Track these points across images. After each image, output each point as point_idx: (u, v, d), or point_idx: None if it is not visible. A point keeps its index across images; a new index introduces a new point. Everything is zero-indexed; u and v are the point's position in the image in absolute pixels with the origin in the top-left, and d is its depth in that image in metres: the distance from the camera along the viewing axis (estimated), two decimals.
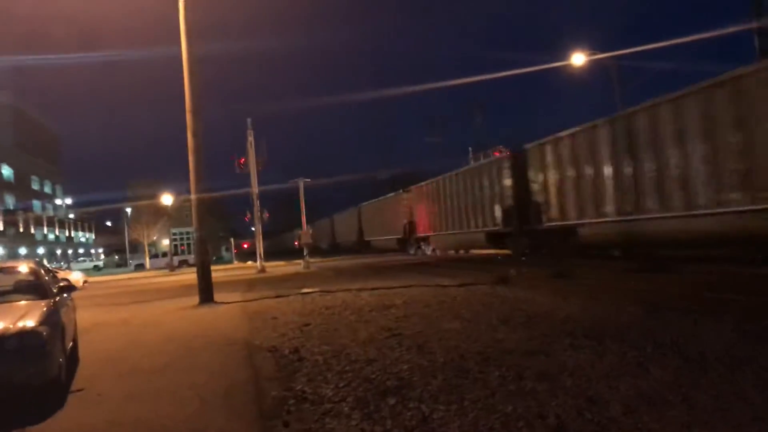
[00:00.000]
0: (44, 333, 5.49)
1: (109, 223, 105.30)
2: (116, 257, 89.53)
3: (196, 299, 14.36)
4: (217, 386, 5.70)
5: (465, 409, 4.21)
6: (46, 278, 7.32)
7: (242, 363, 6.76)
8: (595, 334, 6.50)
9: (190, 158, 14.28)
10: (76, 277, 29.47)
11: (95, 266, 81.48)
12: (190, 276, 25.21)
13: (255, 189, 31.06)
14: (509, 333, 7.08)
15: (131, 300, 17.89)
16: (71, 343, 7.30)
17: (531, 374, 4.98)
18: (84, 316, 13.45)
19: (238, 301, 13.96)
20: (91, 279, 34.90)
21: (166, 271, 48.71)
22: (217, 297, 14.42)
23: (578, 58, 30.66)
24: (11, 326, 5.46)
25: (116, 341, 9.28)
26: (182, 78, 14.50)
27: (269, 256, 39.89)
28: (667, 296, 9.47)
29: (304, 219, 33.59)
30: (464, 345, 6.53)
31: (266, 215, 32.49)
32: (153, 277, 38.39)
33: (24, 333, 5.40)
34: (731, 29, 23.70)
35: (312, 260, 32.33)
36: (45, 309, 6.03)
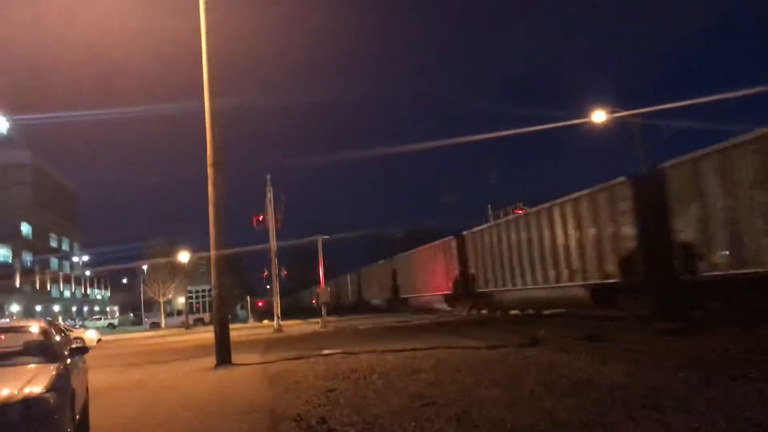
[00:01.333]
0: (51, 400, 5.02)
1: (125, 281, 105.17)
2: (131, 315, 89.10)
3: (212, 360, 13.81)
4: None
5: None
6: (58, 338, 6.86)
7: None
8: (652, 404, 5.91)
9: (210, 211, 13.95)
10: (90, 335, 29.02)
11: (110, 324, 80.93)
12: (205, 335, 24.65)
13: (273, 246, 30.71)
14: (556, 402, 6.48)
15: (146, 360, 17.34)
16: (82, 410, 6.79)
17: None
18: (97, 378, 12.93)
19: (257, 363, 13.39)
20: (105, 337, 34.41)
21: (182, 329, 48.09)
22: (234, 358, 13.87)
23: (599, 116, 30.56)
24: (16, 392, 4.99)
25: (130, 407, 8.74)
26: (203, 132, 14.33)
27: (285, 314, 39.24)
28: (714, 361, 8.85)
29: (321, 276, 33.06)
30: (510, 416, 5.94)
31: (284, 273, 32.02)
32: (168, 335, 37.80)
33: (30, 400, 4.93)
34: (752, 91, 23.34)
35: (330, 319, 31.68)
36: (54, 373, 5.56)
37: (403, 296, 41.08)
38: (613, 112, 29.79)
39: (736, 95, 24.23)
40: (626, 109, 29.29)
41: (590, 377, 7.98)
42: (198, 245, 53.86)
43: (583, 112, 30.90)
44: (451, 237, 31.21)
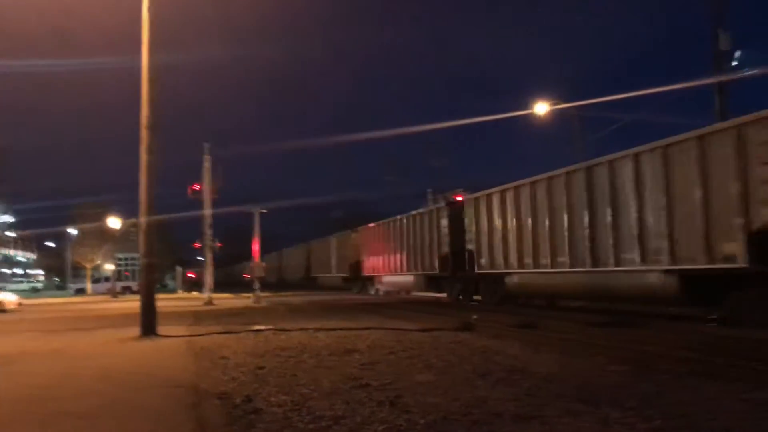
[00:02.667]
0: None
1: (51, 244, 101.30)
2: (56, 280, 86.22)
3: (137, 330, 13.26)
4: None
5: None
6: None
7: (187, 411, 5.85)
8: (588, 398, 5.84)
9: (142, 177, 13.32)
10: (8, 298, 27.77)
11: (33, 288, 78.16)
12: (132, 304, 23.85)
13: (208, 217, 29.94)
14: (490, 390, 6.36)
15: (67, 327, 16.60)
16: None
17: None
18: (10, 343, 12.31)
19: (183, 336, 12.92)
20: (26, 301, 32.95)
21: (108, 297, 46.70)
22: (160, 329, 13.34)
23: (541, 107, 30.87)
24: None
25: (44, 376, 8.21)
26: (139, 94, 13.64)
27: (216, 287, 38.49)
28: (646, 355, 8.94)
29: (257, 250, 32.48)
30: (444, 403, 5.77)
31: (218, 245, 31.30)
32: (94, 302, 36.57)
33: None
34: (692, 84, 23.82)
35: (264, 294, 31.20)
36: None
37: (313, 275, 39.89)
38: (554, 104, 30.23)
39: (673, 88, 24.82)
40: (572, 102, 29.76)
41: (524, 366, 7.91)
42: (130, 211, 52.19)
43: (528, 105, 31.25)
44: (441, 204, 27.62)
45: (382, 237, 33.90)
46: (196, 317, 18.98)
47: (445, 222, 25.48)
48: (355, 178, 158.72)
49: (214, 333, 13.12)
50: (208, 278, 30.25)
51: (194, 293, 45.90)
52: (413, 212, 30.68)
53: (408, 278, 29.88)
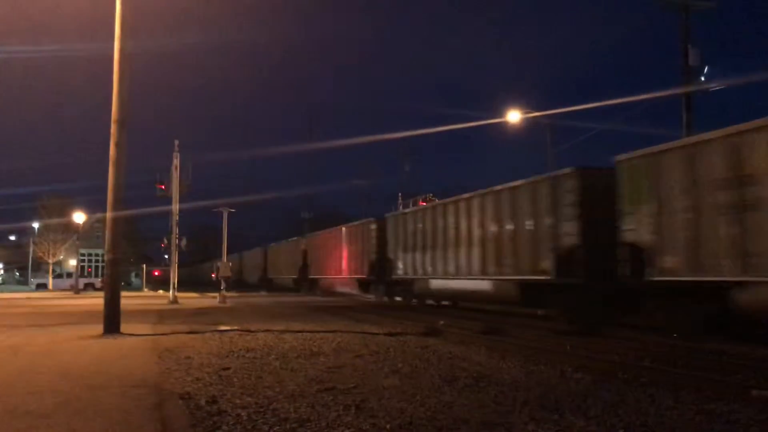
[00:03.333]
0: None
1: (12, 237, 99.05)
2: (17, 274, 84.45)
3: (100, 328, 13.02)
4: None
5: None
6: None
7: (150, 412, 5.75)
8: (552, 405, 5.89)
9: (111, 171, 13.09)
10: None
11: None
12: (95, 301, 23.47)
13: (176, 214, 29.59)
14: (457, 396, 6.37)
15: (27, 323, 16.24)
16: None
17: None
18: None
19: (147, 334, 12.73)
20: None
21: (70, 293, 45.86)
22: (124, 327, 13.12)
23: (514, 116, 31.15)
24: None
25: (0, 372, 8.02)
26: (109, 85, 13.43)
27: (183, 286, 38.13)
28: (609, 363, 9.07)
29: (225, 250, 32.20)
30: (410, 408, 5.77)
31: (184, 243, 30.95)
32: (55, 298, 35.89)
33: None
34: (661, 94, 24.20)
35: (229, 294, 30.92)
36: None
37: (313, 276, 41.19)
38: (526, 113, 30.52)
39: (642, 99, 25.23)
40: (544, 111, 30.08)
41: (490, 372, 7.96)
42: (95, 207, 51.41)
43: (500, 113, 31.52)
44: (371, 219, 30.94)
45: (326, 244, 38.04)
46: (161, 316, 18.72)
47: (374, 234, 29.56)
48: (326, 180, 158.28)
49: (178, 332, 12.96)
50: (174, 277, 29.87)
51: (160, 292, 45.34)
52: (351, 224, 34.64)
53: (345, 281, 33.87)
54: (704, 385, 7.18)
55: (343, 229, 34.46)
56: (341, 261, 34.38)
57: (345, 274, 33.65)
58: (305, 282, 41.44)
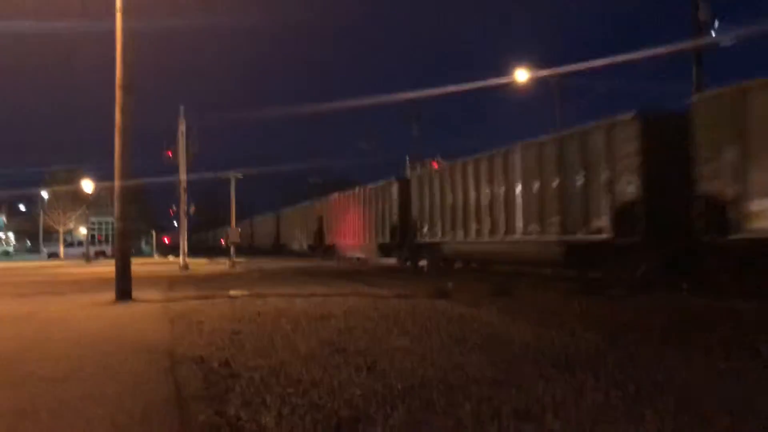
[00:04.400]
0: None
1: (23, 207, 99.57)
2: (28, 243, 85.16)
3: (112, 294, 13.15)
4: (132, 404, 4.76)
5: None
6: None
7: (163, 375, 5.82)
8: (563, 364, 5.89)
9: (117, 138, 13.06)
10: None
11: (4, 252, 77.21)
12: (106, 268, 23.65)
13: (183, 182, 29.62)
14: (467, 356, 6.40)
15: (40, 291, 16.42)
16: None
17: (509, 411, 4.28)
18: None
19: (159, 300, 12.84)
20: None
21: (82, 261, 46.26)
22: (135, 294, 13.26)
23: (522, 75, 30.83)
24: None
25: (14, 340, 8.11)
26: (115, 56, 13.31)
27: (192, 252, 38.34)
28: (620, 323, 9.03)
29: (233, 216, 32.29)
30: (420, 368, 5.80)
31: (192, 209, 31.05)
32: (67, 267, 36.23)
33: None
34: (670, 49, 23.84)
35: (238, 260, 31.09)
36: None
37: (282, 242, 41.52)
38: (534, 71, 30.21)
39: (650, 55, 24.88)
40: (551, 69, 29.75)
41: (500, 333, 7.97)
42: (104, 174, 51.54)
43: (508, 73, 31.19)
44: (392, 179, 29.36)
45: (343, 208, 36.61)
46: (172, 282, 18.87)
47: (395, 196, 28.57)
48: (333, 146, 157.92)
49: (189, 298, 13.07)
50: (183, 243, 30.03)
51: (170, 258, 45.66)
52: (369, 186, 33.08)
53: (365, 246, 32.67)
54: (715, 342, 7.16)
55: (362, 190, 32.87)
56: (360, 225, 32.64)
57: (364, 239, 32.07)
58: (320, 247, 40.06)
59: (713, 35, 19.97)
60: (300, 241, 45.88)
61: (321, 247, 40.03)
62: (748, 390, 5.01)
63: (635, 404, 4.48)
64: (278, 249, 51.41)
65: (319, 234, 40.30)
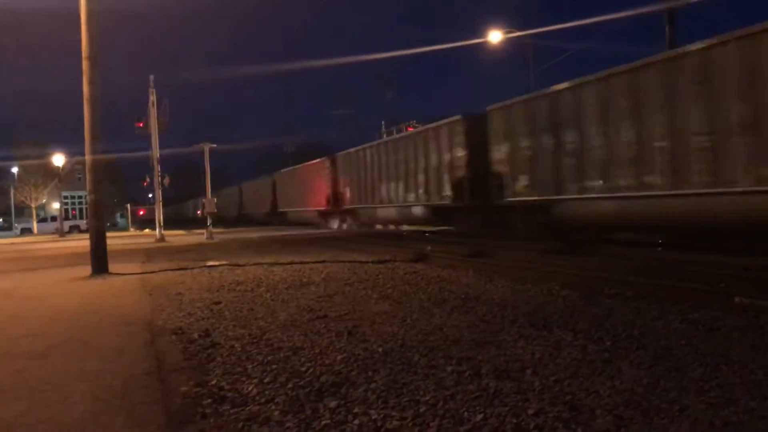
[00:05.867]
0: None
1: None
2: (0, 220, 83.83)
3: (88, 269, 13.05)
4: (112, 378, 4.75)
5: (424, 417, 3.51)
6: None
7: (143, 348, 5.80)
8: (541, 322, 5.98)
9: (86, 110, 12.81)
10: None
11: None
12: (81, 243, 23.40)
13: (156, 152, 29.22)
14: (446, 318, 6.46)
15: (15, 267, 16.22)
16: None
17: (489, 370, 4.35)
18: None
19: (136, 273, 12.76)
20: None
21: (56, 236, 45.70)
22: (112, 267, 13.15)
23: (495, 36, 30.60)
24: None
25: None
26: (79, 26, 12.99)
27: (169, 224, 38.08)
28: (595, 280, 9.15)
29: (208, 186, 32.00)
30: (401, 331, 5.85)
31: (167, 180, 30.69)
32: (41, 242, 35.79)
33: None
34: (642, 10, 23.90)
35: (216, 231, 30.92)
36: None
37: (281, 210, 43.60)
38: (508, 32, 30.00)
39: (624, 16, 24.90)
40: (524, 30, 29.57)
41: (478, 294, 8.05)
42: (75, 150, 50.68)
43: (482, 34, 30.96)
44: (326, 157, 35.53)
45: (293, 180, 40.47)
46: (149, 255, 18.73)
47: (329, 170, 33.16)
48: (307, 113, 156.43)
49: (167, 270, 12.99)
50: (159, 215, 29.76)
51: (146, 231, 45.29)
52: (310, 162, 38.18)
53: (310, 212, 37.44)
54: (688, 295, 7.29)
55: (305, 165, 39.28)
56: (305, 194, 38.91)
57: (308, 206, 38.14)
58: (275, 215, 45.69)
59: None
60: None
61: (274, 214, 45.78)
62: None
63: (613, 358, 4.57)
64: (277, 218, 50.61)
65: (273, 203, 46.18)
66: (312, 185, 37.31)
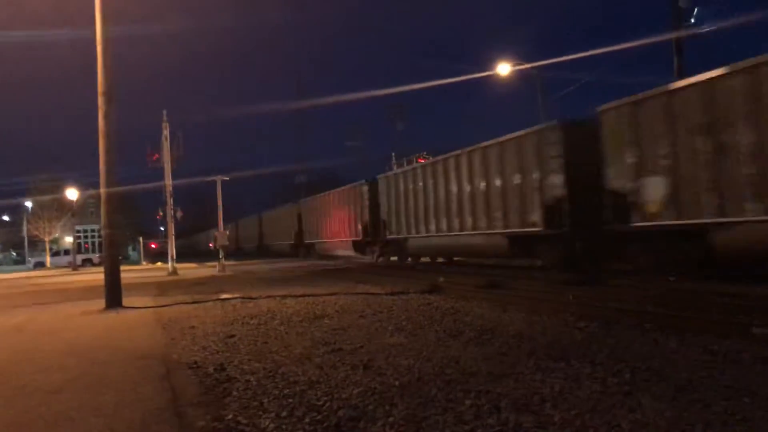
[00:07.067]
0: None
1: (6, 218, 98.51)
2: (13, 254, 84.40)
3: (101, 303, 13.05)
4: (129, 413, 4.73)
5: None
6: None
7: (159, 382, 5.78)
8: (558, 354, 5.92)
9: (101, 144, 12.94)
10: None
11: None
12: (94, 276, 23.51)
13: (169, 186, 29.43)
14: (462, 350, 6.41)
15: (28, 302, 16.26)
16: None
17: (508, 404, 4.30)
18: None
19: (149, 307, 12.77)
20: None
21: (69, 270, 45.90)
22: (125, 301, 13.17)
23: (503, 68, 30.84)
24: None
25: (6, 351, 8.04)
26: (95, 63, 13.20)
27: (180, 257, 38.15)
28: (612, 311, 9.08)
29: (221, 219, 32.10)
30: (417, 364, 5.80)
31: (180, 214, 30.85)
32: (54, 276, 35.92)
33: None
34: (650, 40, 24.08)
35: (228, 263, 30.98)
36: None
37: (308, 241, 41.58)
38: (516, 65, 30.23)
39: (631, 46, 25.09)
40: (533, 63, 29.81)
41: (493, 325, 7.99)
42: (88, 182, 51.22)
43: (490, 67, 31.23)
44: (362, 181, 30.96)
45: (321, 208, 38.16)
46: (161, 288, 18.75)
47: (366, 196, 30.01)
48: (318, 145, 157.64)
49: (180, 303, 12.99)
50: (171, 248, 29.86)
51: (158, 264, 45.42)
52: (343, 187, 35.10)
53: (341, 243, 34.26)
54: (707, 326, 7.22)
55: (336, 192, 34.97)
56: (334, 223, 34.89)
57: (339, 237, 34.20)
58: (302, 247, 41.97)
59: (693, 22, 20.09)
60: (282, 241, 46.48)
61: (301, 246, 42.14)
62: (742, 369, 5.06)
63: (633, 390, 4.51)
64: (262, 250, 52.06)
65: (299, 233, 42.59)
66: (345, 213, 33.03)
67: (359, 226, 30.63)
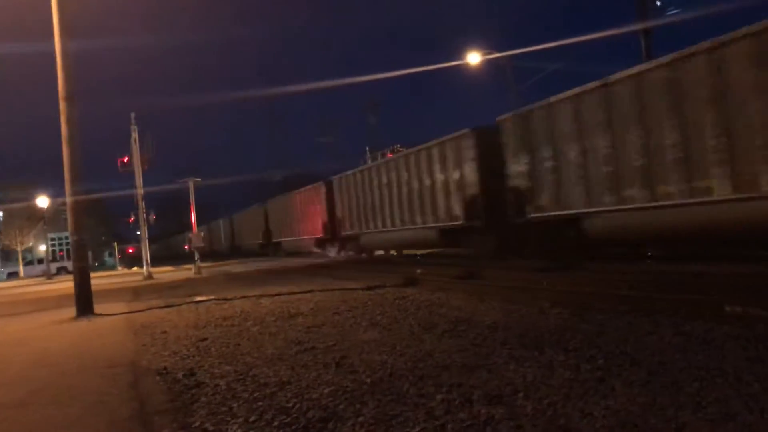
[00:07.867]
0: None
1: None
2: None
3: (74, 311, 12.80)
4: (95, 425, 4.59)
5: None
6: None
7: (127, 391, 5.63)
8: (532, 343, 5.88)
9: (65, 150, 12.65)
10: None
11: None
12: (68, 284, 23.05)
13: (140, 189, 29.04)
14: (436, 343, 6.34)
15: None
16: None
17: (480, 396, 4.23)
18: None
19: (122, 313, 12.54)
20: None
21: (43, 279, 45.19)
22: (98, 308, 12.91)
23: (474, 58, 30.84)
24: None
25: None
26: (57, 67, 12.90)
27: (157, 261, 37.85)
28: (586, 296, 9.08)
29: (194, 221, 31.77)
30: (390, 360, 5.72)
31: (153, 217, 30.48)
32: (27, 285, 35.31)
33: None
34: (617, 30, 24.35)
35: (204, 265, 30.67)
36: None
37: (275, 240, 41.81)
38: (486, 54, 30.24)
39: (599, 36, 25.22)
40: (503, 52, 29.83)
41: (468, 316, 7.94)
42: (60, 190, 50.38)
43: (461, 57, 31.22)
44: (321, 182, 32.88)
45: (286, 208, 38.31)
46: (136, 293, 18.49)
47: (324, 196, 31.11)
48: (294, 143, 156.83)
49: (153, 308, 12.79)
50: (146, 252, 29.50)
51: (135, 269, 44.89)
52: (304, 188, 35.59)
53: (306, 241, 34.99)
54: (680, 307, 7.23)
55: (298, 192, 36.74)
56: (299, 222, 36.75)
57: (304, 235, 35.93)
58: (270, 246, 43.73)
59: (658, 4, 20.24)
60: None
61: (268, 245, 43.80)
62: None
63: (607, 377, 4.46)
64: (270, 248, 49.57)
65: (266, 233, 44.17)
66: (307, 212, 35.05)
67: (320, 225, 32.67)
